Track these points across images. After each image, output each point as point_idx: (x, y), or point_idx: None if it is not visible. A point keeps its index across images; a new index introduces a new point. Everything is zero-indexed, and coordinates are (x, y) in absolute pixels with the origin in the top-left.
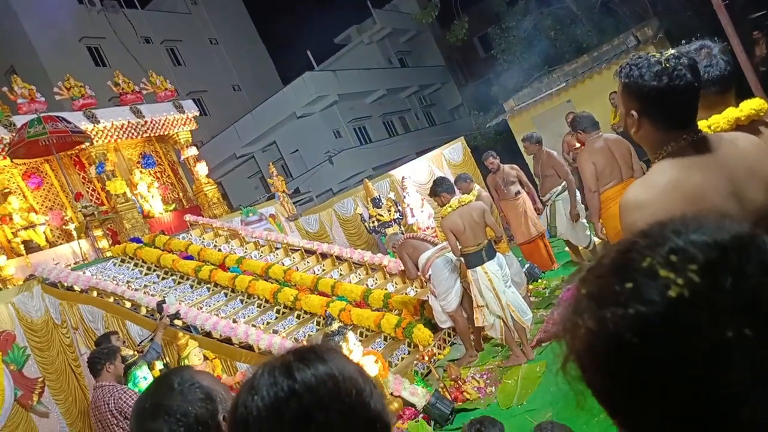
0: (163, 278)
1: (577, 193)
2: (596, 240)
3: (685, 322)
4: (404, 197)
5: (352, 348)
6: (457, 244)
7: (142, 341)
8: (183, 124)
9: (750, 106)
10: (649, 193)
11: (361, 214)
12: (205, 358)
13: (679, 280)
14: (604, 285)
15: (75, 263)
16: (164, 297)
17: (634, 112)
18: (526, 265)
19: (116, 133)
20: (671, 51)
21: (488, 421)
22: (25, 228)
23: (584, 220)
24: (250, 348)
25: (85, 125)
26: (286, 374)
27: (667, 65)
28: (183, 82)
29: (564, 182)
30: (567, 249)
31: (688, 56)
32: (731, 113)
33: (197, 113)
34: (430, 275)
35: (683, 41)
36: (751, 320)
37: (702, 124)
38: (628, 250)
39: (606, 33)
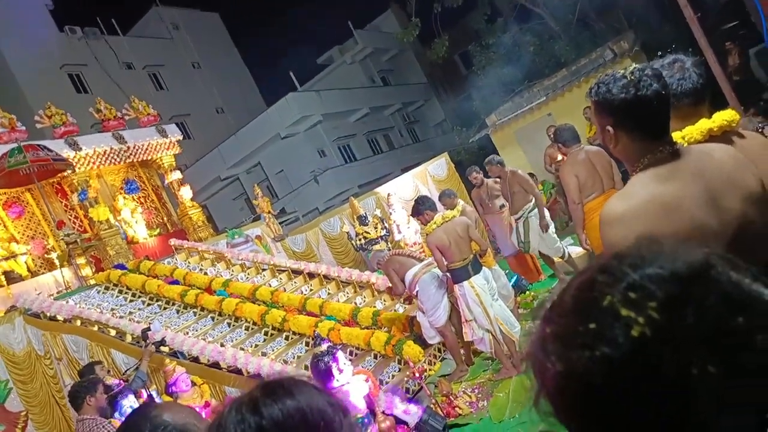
0: (149, 304)
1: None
2: (573, 250)
3: (650, 361)
4: (390, 214)
5: (343, 367)
6: (443, 260)
7: (127, 370)
8: (166, 149)
9: (722, 117)
10: (628, 206)
11: (347, 232)
12: (193, 383)
13: (640, 318)
14: (569, 325)
15: (58, 292)
16: (149, 324)
17: (609, 128)
18: (514, 278)
19: (98, 160)
20: (635, 65)
21: None
22: (6, 258)
23: (552, 233)
24: (239, 372)
25: (67, 153)
26: (252, 411)
27: (632, 77)
28: (166, 107)
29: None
30: (545, 262)
31: (652, 67)
32: (704, 124)
33: (180, 137)
34: (417, 291)
35: (659, 53)
36: (713, 353)
37: (676, 136)
38: (588, 288)
39: (583, 47)
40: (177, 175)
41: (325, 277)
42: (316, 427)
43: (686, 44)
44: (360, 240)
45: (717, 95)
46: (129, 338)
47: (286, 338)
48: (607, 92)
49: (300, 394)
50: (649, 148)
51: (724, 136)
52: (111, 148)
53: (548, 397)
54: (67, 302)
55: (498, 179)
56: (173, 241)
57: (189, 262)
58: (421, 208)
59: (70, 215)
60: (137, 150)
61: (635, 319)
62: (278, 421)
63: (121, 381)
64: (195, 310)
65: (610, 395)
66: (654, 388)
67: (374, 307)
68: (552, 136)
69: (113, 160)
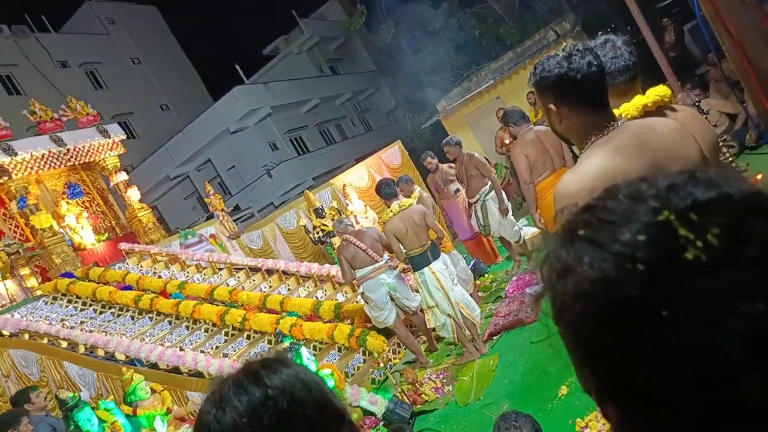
0: (101, 312)
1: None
2: (526, 234)
3: (697, 287)
4: (347, 205)
5: (306, 363)
6: (401, 247)
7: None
8: (110, 149)
9: (655, 92)
10: (580, 183)
11: (304, 226)
12: (153, 391)
13: (698, 242)
14: (611, 231)
15: (2, 306)
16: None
17: (551, 106)
18: (472, 261)
19: (37, 164)
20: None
21: (522, 416)
22: None
23: (512, 217)
24: (200, 375)
25: (1, 158)
26: (255, 383)
27: (564, 53)
28: (107, 106)
29: (489, 183)
30: (502, 245)
31: (584, 44)
32: (639, 100)
33: (124, 136)
34: (362, 291)
35: (600, 32)
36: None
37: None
38: (640, 198)
39: (527, 29)
40: (123, 176)
41: (284, 272)
42: (317, 392)
43: (624, 22)
44: (318, 233)
45: (655, 71)
46: (82, 348)
47: (248, 337)
48: (543, 71)
49: (294, 366)
50: (594, 122)
51: (658, 110)
52: (49, 152)
53: (558, 299)
54: (13, 315)
55: (454, 162)
56: (123, 245)
57: (141, 266)
58: (382, 192)
59: (10, 224)
60: (78, 152)
61: (693, 241)
62: (283, 388)
63: (75, 394)
64: (151, 315)
65: (640, 311)
66: (693, 316)
67: (335, 299)
68: (501, 118)
69: (53, 164)
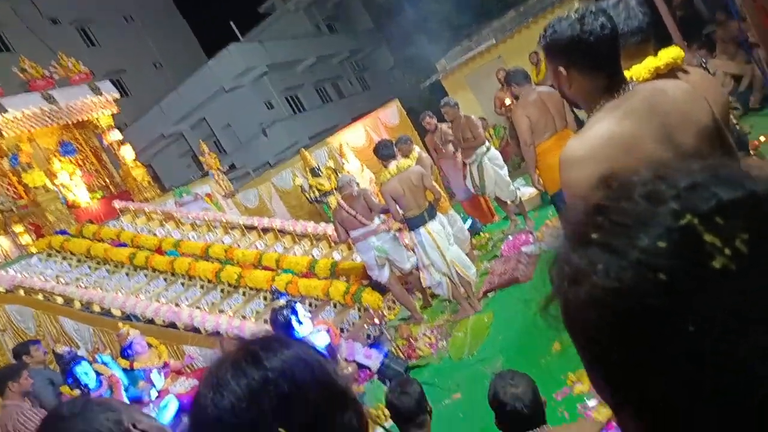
0: (96, 269)
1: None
2: (523, 194)
3: (723, 297)
4: (343, 164)
5: (303, 320)
6: (398, 208)
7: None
8: (102, 108)
9: (668, 54)
10: (588, 147)
11: (301, 185)
12: (150, 345)
13: (726, 249)
14: (628, 236)
15: None
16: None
17: (561, 69)
18: (468, 221)
19: (28, 122)
20: (579, 5)
21: (518, 375)
22: None
23: (507, 177)
24: (196, 330)
25: None
26: (254, 365)
27: (577, 15)
28: (99, 64)
29: (487, 142)
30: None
31: (596, 4)
32: (651, 63)
33: (117, 95)
34: (357, 250)
35: None
36: None
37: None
38: (659, 199)
39: None
40: (116, 134)
41: (280, 231)
42: (321, 372)
43: None
44: (314, 192)
45: (662, 30)
46: (77, 305)
47: (243, 294)
48: (554, 33)
49: (293, 345)
50: (604, 86)
51: (670, 72)
52: (41, 110)
53: (569, 306)
54: (7, 272)
55: (451, 122)
56: (117, 203)
57: (136, 224)
58: (379, 153)
59: (2, 182)
60: (70, 110)
61: (720, 248)
62: (283, 370)
63: (72, 349)
64: (146, 271)
65: (660, 323)
66: (722, 328)
67: (332, 258)
68: (502, 79)
69: (44, 122)
